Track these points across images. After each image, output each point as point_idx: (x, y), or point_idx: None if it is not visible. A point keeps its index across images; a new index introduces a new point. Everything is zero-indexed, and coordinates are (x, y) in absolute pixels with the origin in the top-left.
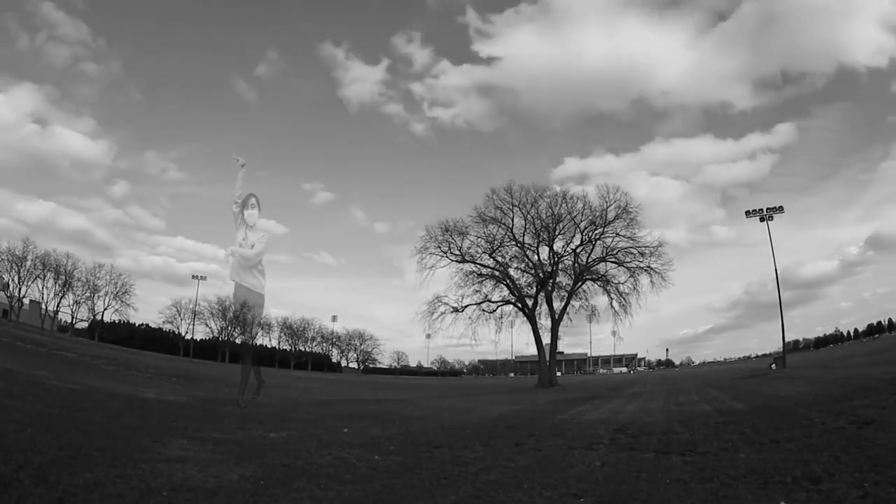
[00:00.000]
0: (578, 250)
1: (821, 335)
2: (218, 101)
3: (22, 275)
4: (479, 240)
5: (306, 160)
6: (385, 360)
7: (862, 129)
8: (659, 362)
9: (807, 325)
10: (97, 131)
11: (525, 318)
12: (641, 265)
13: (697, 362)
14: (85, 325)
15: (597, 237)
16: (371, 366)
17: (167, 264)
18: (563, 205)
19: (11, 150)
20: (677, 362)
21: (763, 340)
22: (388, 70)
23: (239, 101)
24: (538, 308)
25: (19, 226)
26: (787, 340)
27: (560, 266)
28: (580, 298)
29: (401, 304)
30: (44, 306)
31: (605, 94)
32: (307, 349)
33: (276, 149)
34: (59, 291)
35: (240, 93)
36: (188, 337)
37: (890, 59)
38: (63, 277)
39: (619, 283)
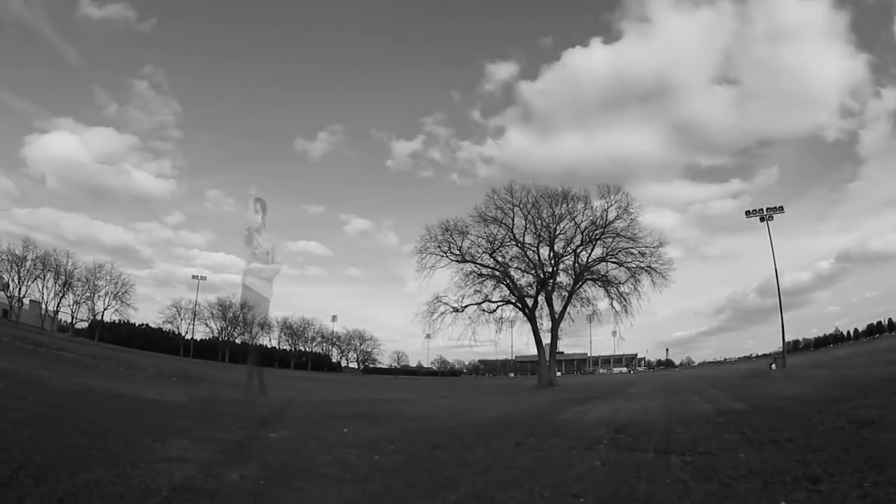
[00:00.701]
0: (579, 250)
1: (820, 335)
2: (282, 163)
3: (22, 275)
4: (480, 239)
5: (352, 197)
6: (385, 361)
7: (831, 155)
8: (659, 362)
9: (800, 326)
10: (171, 173)
11: (525, 319)
12: (642, 265)
13: (697, 362)
14: (85, 325)
15: (597, 237)
16: (371, 366)
17: (201, 275)
18: (565, 205)
19: (77, 184)
20: (677, 362)
21: (759, 341)
22: (423, 143)
23: (299, 160)
24: (538, 308)
25: (57, 240)
26: (786, 341)
27: (560, 266)
28: (580, 298)
29: (404, 309)
30: (44, 306)
31: (588, 165)
32: (307, 349)
33: (327, 188)
34: (59, 291)
35: (300, 151)
36: (188, 337)
37: (848, 133)
38: (63, 277)
39: (619, 283)
